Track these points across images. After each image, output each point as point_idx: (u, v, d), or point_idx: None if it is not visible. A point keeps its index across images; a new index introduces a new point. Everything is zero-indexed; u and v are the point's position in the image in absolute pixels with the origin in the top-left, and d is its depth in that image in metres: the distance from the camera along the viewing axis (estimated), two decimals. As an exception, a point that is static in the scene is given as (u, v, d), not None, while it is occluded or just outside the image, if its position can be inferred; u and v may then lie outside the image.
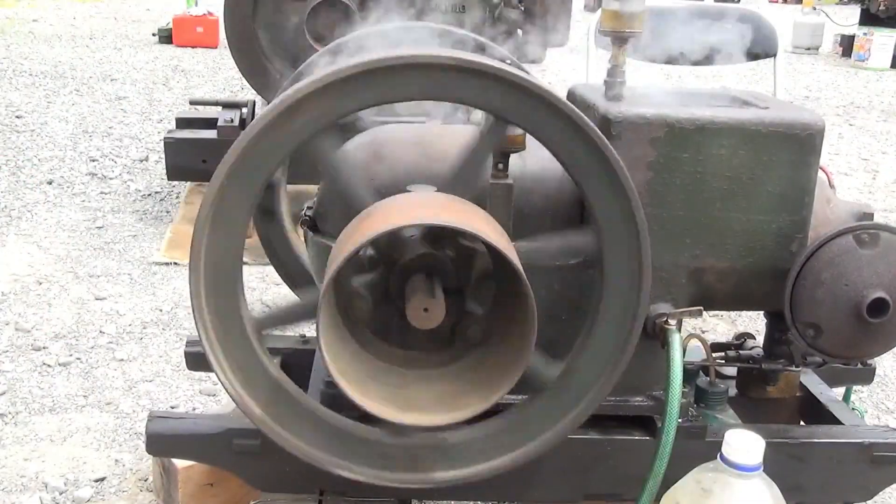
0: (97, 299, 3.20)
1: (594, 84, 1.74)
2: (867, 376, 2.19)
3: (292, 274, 2.13)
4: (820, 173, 1.68)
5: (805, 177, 1.64)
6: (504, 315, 1.47)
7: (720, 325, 3.26)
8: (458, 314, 1.48)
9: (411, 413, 1.40)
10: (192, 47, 8.58)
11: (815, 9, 11.34)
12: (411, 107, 1.68)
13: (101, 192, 4.39)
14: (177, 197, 4.32)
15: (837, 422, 1.91)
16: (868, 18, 10.26)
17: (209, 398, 2.59)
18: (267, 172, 1.37)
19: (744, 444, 1.33)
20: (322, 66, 1.92)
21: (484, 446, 1.50)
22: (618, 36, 1.63)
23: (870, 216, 1.74)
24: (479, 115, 1.53)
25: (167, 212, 4.16)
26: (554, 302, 1.60)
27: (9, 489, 2.14)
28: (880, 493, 1.83)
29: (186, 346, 2.12)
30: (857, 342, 1.68)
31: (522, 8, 3.76)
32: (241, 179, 1.35)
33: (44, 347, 2.83)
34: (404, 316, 1.39)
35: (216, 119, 3.87)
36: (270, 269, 2.31)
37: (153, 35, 9.03)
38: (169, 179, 4.14)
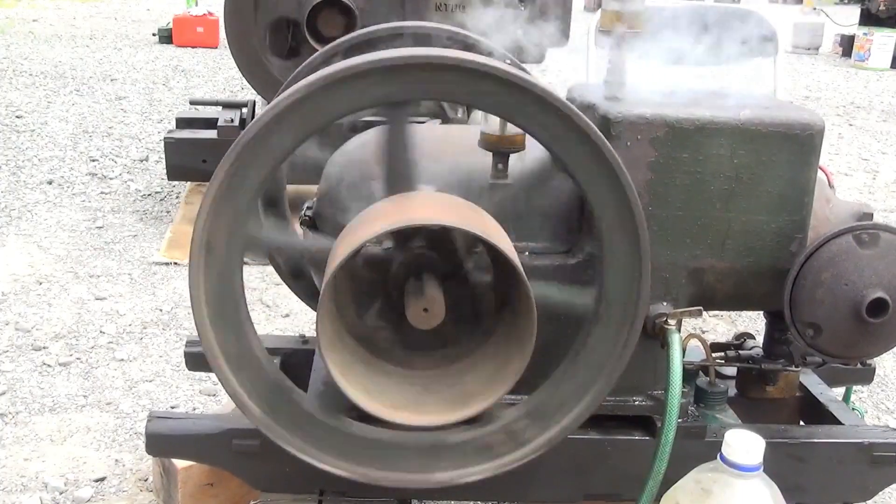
0: (97, 299, 3.20)
1: (594, 84, 1.74)
2: (867, 376, 2.19)
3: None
4: (820, 173, 1.68)
5: (805, 177, 1.64)
6: (504, 315, 1.47)
7: (720, 325, 3.26)
8: (457, 314, 1.48)
9: (411, 413, 1.40)
10: (192, 47, 8.59)
11: (815, 9, 11.35)
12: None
13: (101, 192, 4.39)
14: (177, 197, 4.32)
15: (837, 422, 1.91)
16: (868, 18, 10.26)
17: (209, 398, 2.59)
18: (267, 172, 1.37)
19: (744, 444, 1.33)
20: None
21: (484, 446, 1.50)
22: (618, 36, 1.63)
23: (870, 216, 1.74)
24: (479, 115, 1.53)
25: (167, 212, 4.16)
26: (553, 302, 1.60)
27: (9, 489, 2.14)
28: (880, 493, 1.83)
29: (186, 346, 2.12)
30: (856, 342, 1.68)
31: (522, 8, 3.76)
32: (241, 179, 1.35)
33: (44, 347, 2.83)
34: (404, 316, 1.39)
35: (216, 119, 3.88)
36: (270, 269, 2.31)
37: (153, 35, 9.04)
38: (169, 179, 4.14)
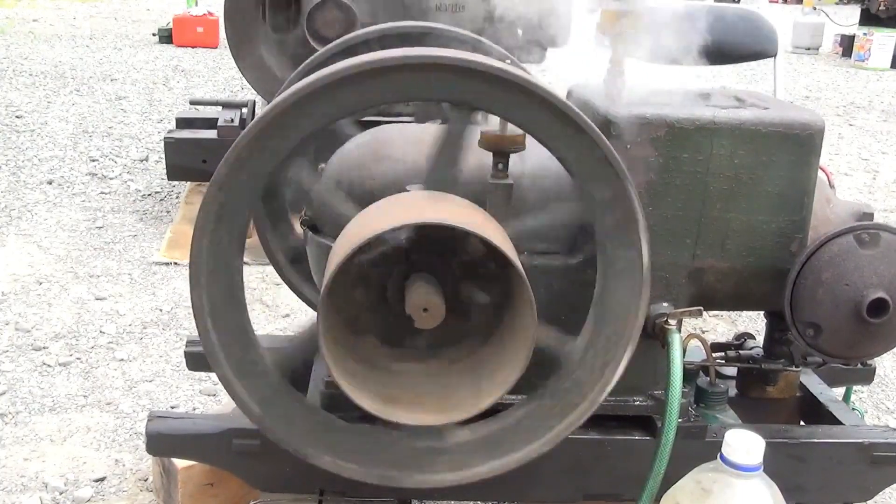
0: (97, 299, 3.20)
1: (594, 84, 1.74)
2: (867, 376, 2.19)
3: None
4: (820, 173, 1.68)
5: (805, 177, 1.64)
6: (504, 315, 1.47)
7: (720, 325, 3.26)
8: (458, 314, 1.48)
9: (411, 413, 1.40)
10: (192, 47, 8.59)
11: (815, 9, 11.34)
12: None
13: (101, 192, 4.39)
14: (177, 197, 4.32)
15: (837, 422, 1.91)
16: (868, 18, 10.26)
17: (209, 398, 2.59)
18: (267, 172, 1.37)
19: (744, 444, 1.33)
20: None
21: (484, 446, 1.50)
22: (618, 36, 1.63)
23: (870, 216, 1.74)
24: (479, 115, 1.53)
25: (167, 212, 4.16)
26: (554, 302, 1.60)
27: (9, 489, 2.14)
28: (880, 493, 1.83)
29: (186, 346, 2.12)
30: (856, 342, 1.68)
31: (522, 8, 3.75)
32: (242, 179, 1.35)
33: (44, 347, 2.83)
34: (404, 315, 1.39)
35: (216, 119, 3.87)
36: (270, 269, 2.30)
37: (153, 35, 9.04)
38: (169, 179, 4.14)
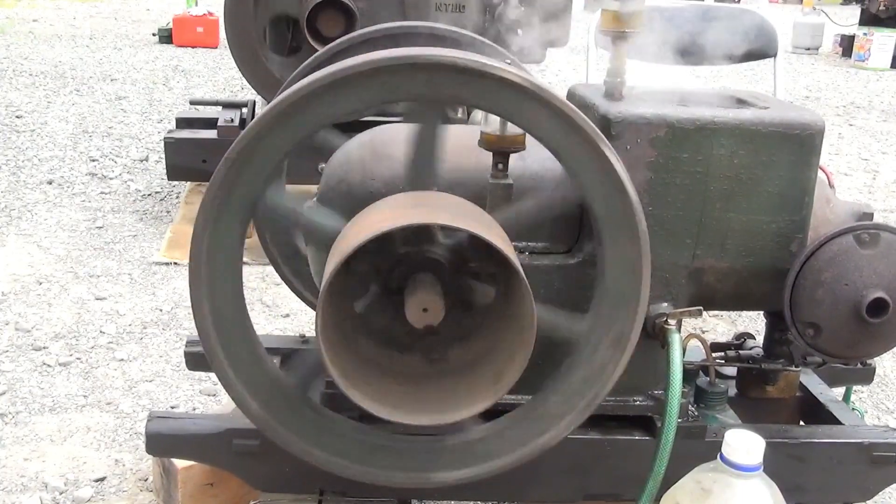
0: (97, 299, 3.20)
1: (594, 84, 1.74)
2: (867, 376, 2.19)
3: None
4: (820, 173, 1.68)
5: (805, 177, 1.64)
6: (504, 314, 1.47)
7: (720, 325, 3.26)
8: (458, 313, 1.48)
9: (411, 413, 1.40)
10: (192, 47, 8.59)
11: (815, 9, 11.35)
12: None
13: (101, 192, 4.39)
14: (177, 197, 4.32)
15: (837, 422, 1.91)
16: (868, 18, 10.26)
17: (209, 398, 2.59)
18: (267, 172, 1.37)
19: (744, 444, 1.33)
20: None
21: (484, 446, 1.50)
22: (618, 36, 1.63)
23: (870, 216, 1.74)
24: (479, 115, 1.53)
25: (167, 212, 4.16)
26: (553, 302, 1.60)
27: (9, 489, 2.14)
28: (880, 493, 1.83)
29: (186, 346, 2.12)
30: (856, 342, 1.68)
31: (522, 8, 3.75)
32: (242, 179, 1.35)
33: (44, 347, 2.83)
34: (404, 315, 1.39)
35: (216, 119, 3.88)
36: (270, 269, 2.31)
37: (153, 35, 9.04)
38: (169, 179, 4.14)
